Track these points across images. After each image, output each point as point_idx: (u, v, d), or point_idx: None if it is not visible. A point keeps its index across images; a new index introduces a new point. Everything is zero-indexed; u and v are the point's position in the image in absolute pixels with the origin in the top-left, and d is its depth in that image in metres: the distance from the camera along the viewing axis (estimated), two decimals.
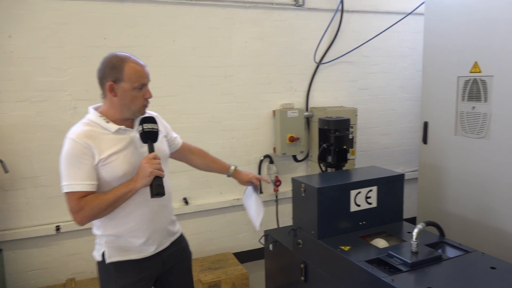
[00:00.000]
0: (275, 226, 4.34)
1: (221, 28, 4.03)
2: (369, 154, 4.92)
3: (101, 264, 2.03)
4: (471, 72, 3.23)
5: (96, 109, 2.01)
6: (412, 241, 2.42)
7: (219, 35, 4.03)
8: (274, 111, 4.33)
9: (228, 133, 4.21)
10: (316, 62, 4.45)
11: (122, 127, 1.97)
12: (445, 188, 3.52)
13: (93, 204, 1.84)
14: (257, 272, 4.07)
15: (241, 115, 4.22)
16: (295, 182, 2.94)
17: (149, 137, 1.95)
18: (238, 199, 4.28)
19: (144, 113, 2.02)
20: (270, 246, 3.34)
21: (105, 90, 1.95)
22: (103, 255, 2.02)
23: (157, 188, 1.84)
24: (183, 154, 2.46)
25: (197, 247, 4.17)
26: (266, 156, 4.36)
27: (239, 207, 4.32)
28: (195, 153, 2.52)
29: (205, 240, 4.23)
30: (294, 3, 4.29)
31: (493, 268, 2.27)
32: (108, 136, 1.93)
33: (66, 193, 1.86)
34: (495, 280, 2.17)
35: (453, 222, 3.44)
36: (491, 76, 3.07)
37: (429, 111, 3.65)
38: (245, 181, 2.62)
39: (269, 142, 4.39)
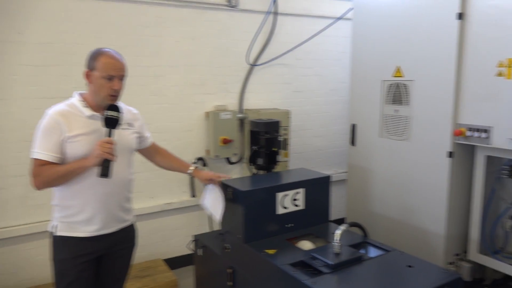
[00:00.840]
0: (208, 230, 4.26)
1: (151, 27, 3.89)
2: (303, 156, 4.98)
3: (52, 235, 2.29)
4: (394, 76, 3.35)
5: (80, 94, 2.27)
6: (335, 242, 2.45)
7: (148, 34, 3.88)
8: (207, 113, 4.24)
9: (159, 135, 4.04)
10: (249, 64, 4.43)
11: (97, 114, 2.21)
12: (371, 189, 3.62)
13: (49, 172, 2.11)
14: (188, 279, 3.94)
15: (172, 116, 4.10)
16: (223, 185, 2.88)
17: (108, 122, 2.15)
18: (169, 203, 4.15)
19: (112, 102, 2.20)
20: (199, 251, 3.26)
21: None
22: (54, 227, 2.26)
23: (103, 169, 2.07)
24: (150, 152, 2.69)
25: None
26: (199, 159, 4.27)
27: (171, 211, 4.20)
28: (160, 153, 2.75)
29: None
30: (227, 3, 4.23)
31: (410, 266, 2.35)
32: (81, 119, 2.19)
33: (32, 158, 2.15)
34: (410, 278, 2.24)
35: (379, 222, 3.55)
36: (412, 80, 3.20)
37: (357, 113, 3.75)
38: (205, 179, 2.76)
39: (202, 145, 4.29)
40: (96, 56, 2.18)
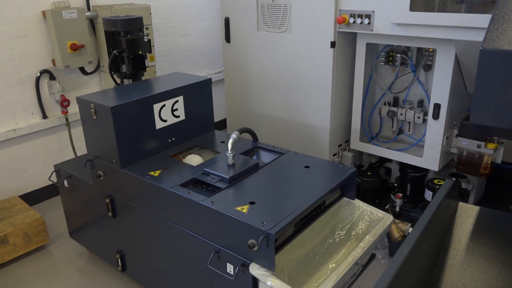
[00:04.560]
0: (72, 156, 3.65)
1: None
2: (170, 58, 4.45)
3: None
4: None
5: None
6: (228, 153, 2.19)
7: None
8: (43, 12, 3.35)
9: None
10: None
11: None
12: (251, 88, 3.39)
13: None
14: (55, 211, 3.42)
15: None
16: (82, 102, 2.33)
17: None
18: (14, 129, 3.37)
19: None
20: (65, 183, 2.74)
21: None
22: None
23: None
24: None
25: None
26: (45, 71, 3.46)
27: (18, 139, 3.44)
28: None
29: None
30: None
31: (307, 167, 2.24)
32: None
33: None
34: (309, 178, 2.13)
35: (263, 121, 3.39)
36: None
37: (230, 5, 3.31)
38: None
39: (45, 53, 3.46)
40: None
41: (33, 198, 3.55)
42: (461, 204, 1.98)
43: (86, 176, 2.59)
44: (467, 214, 1.94)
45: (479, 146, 2.52)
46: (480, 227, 1.83)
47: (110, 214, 2.46)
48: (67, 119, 3.61)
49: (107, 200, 2.43)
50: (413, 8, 2.37)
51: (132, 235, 2.42)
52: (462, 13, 2.36)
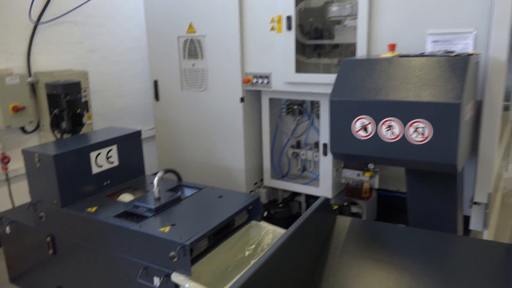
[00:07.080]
0: (11, 207, 3.88)
1: None
2: (107, 117, 4.89)
3: None
4: (188, 32, 3.60)
5: None
6: (154, 189, 2.66)
7: None
8: None
9: None
10: (33, 22, 4.02)
11: None
12: (179, 139, 3.91)
13: None
14: None
15: None
16: (27, 153, 2.72)
17: None
18: None
19: None
20: (7, 229, 3.02)
21: None
22: None
23: None
24: None
25: None
26: None
27: None
28: None
29: None
30: None
31: (220, 197, 2.75)
32: None
33: None
34: (221, 205, 2.64)
35: (190, 167, 3.89)
36: (204, 35, 3.52)
37: (157, 69, 3.90)
38: None
39: None
40: None
41: None
42: (339, 216, 2.56)
43: (27, 220, 2.90)
44: (343, 224, 2.52)
45: (358, 175, 3.18)
46: (352, 233, 2.41)
47: (51, 251, 2.77)
48: (7, 175, 3.88)
49: (48, 239, 2.75)
50: (298, 70, 3.08)
51: (71, 268, 2.74)
52: None
